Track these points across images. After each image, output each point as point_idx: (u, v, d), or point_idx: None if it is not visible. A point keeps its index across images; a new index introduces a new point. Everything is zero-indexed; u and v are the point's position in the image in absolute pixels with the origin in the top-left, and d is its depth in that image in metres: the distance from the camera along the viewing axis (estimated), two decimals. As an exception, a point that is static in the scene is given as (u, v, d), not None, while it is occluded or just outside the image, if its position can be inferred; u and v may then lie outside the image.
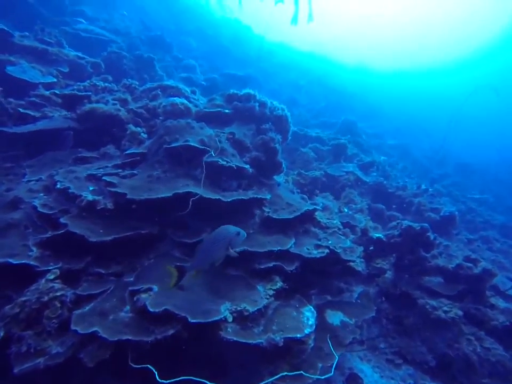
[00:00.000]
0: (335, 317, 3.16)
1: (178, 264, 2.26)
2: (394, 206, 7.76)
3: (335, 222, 4.03)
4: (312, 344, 2.74)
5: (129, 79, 5.10)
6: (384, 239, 4.54)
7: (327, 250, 3.15)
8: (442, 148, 12.54)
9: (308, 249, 3.14)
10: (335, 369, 3.43)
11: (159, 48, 12.64)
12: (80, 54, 5.90)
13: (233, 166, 3.23)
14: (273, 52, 25.05)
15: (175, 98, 4.08)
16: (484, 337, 3.50)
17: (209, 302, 2.41)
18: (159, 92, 4.81)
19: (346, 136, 10.04)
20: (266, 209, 3.40)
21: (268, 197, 3.31)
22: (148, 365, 1.78)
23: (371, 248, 4.60)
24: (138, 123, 4.08)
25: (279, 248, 2.93)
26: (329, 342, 2.47)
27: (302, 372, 2.10)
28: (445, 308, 3.66)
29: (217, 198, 2.95)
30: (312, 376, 2.11)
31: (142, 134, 3.75)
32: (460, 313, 3.60)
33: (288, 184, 4.29)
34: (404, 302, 4.10)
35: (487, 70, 44.82)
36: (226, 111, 4.01)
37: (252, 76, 14.79)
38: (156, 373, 1.70)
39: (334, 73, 27.97)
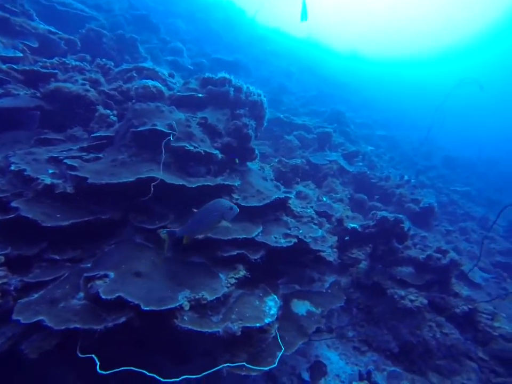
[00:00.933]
0: (301, 307, 3.17)
1: (169, 229, 2.33)
2: (377, 197, 7.80)
3: (309, 211, 4.01)
4: (274, 334, 2.74)
5: (103, 59, 4.86)
6: (359, 230, 4.55)
7: (294, 240, 3.12)
8: (426, 139, 12.60)
9: (276, 238, 3.11)
10: (301, 356, 3.51)
11: (145, 29, 12.18)
12: (52, 29, 5.54)
13: (201, 151, 3.14)
14: (266, 38, 24.48)
15: (147, 80, 3.92)
16: (444, 323, 3.61)
17: (167, 290, 2.36)
18: (134, 74, 4.63)
19: (332, 125, 9.98)
20: (236, 196, 3.34)
21: (237, 183, 3.24)
22: (92, 355, 1.73)
23: (347, 238, 4.61)
24: (110, 105, 3.93)
25: (244, 236, 2.89)
26: (277, 333, 2.44)
27: (244, 363, 2.08)
28: (411, 297, 3.71)
29: (182, 183, 2.87)
30: (255, 367, 2.09)
31: (112, 116, 3.61)
32: (425, 302, 3.66)
33: (263, 171, 4.22)
34: (375, 292, 4.14)
35: (481, 60, 45.30)
36: (200, 95, 3.88)
37: (242, 62, 14.43)
38: (98, 363, 1.65)
39: (327, 62, 27.66)
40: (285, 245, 3.01)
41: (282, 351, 2.28)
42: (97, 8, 9.78)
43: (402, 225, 4.28)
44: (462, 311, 3.77)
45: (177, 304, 2.21)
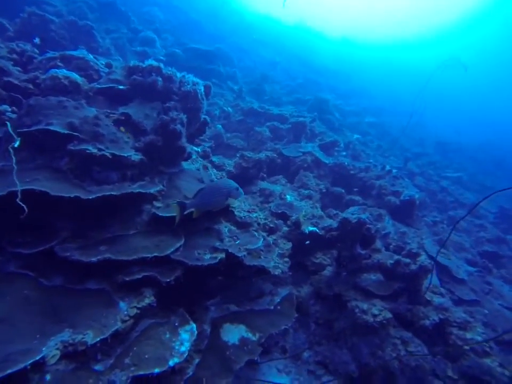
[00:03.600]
0: (233, 333, 2.67)
1: (179, 200, 2.49)
2: (355, 189, 7.26)
3: (254, 215, 3.49)
4: (190, 374, 2.26)
5: (20, 43, 4.23)
6: (320, 233, 4.03)
7: (221, 256, 2.61)
8: (408, 124, 11.99)
9: (199, 253, 2.60)
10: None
11: (113, 17, 11.45)
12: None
13: (107, 154, 2.60)
14: (253, 26, 23.60)
15: (60, 70, 3.36)
16: (410, 339, 3.12)
17: (33, 335, 1.85)
18: (59, 63, 4.01)
19: (313, 114, 9.38)
20: (158, 204, 2.83)
21: (153, 190, 2.71)
22: None
23: (307, 242, 4.09)
24: (17, 100, 3.36)
25: (155, 254, 2.38)
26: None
27: None
28: (375, 311, 3.22)
29: (75, 195, 2.33)
30: None
31: (10, 113, 3.05)
32: (389, 316, 3.18)
33: (207, 172, 3.68)
34: (336, 304, 3.66)
35: (466, 42, 44.67)
36: (121, 87, 3.32)
37: (222, 51, 13.61)
38: None
39: (317, 49, 26.83)
40: (206, 263, 2.50)
41: None
42: (53, -7, 8.99)
43: (368, 226, 3.76)
44: (432, 323, 3.28)
45: (33, 359, 1.69)
